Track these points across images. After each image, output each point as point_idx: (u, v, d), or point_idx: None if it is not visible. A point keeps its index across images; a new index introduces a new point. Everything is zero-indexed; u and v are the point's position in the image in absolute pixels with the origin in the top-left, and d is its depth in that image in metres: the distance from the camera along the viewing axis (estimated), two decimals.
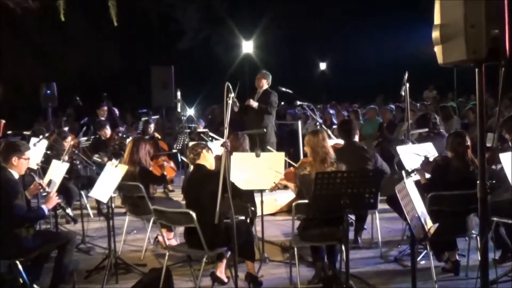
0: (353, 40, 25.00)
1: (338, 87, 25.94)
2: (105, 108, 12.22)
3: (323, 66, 30.47)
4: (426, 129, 6.94)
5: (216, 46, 26.77)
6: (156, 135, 10.51)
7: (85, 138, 9.91)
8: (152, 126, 10.71)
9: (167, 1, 24.22)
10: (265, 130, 8.86)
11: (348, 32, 25.14)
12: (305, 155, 7.49)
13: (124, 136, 9.40)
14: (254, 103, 9.15)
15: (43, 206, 5.13)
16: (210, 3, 25.25)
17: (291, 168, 6.51)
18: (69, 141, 8.33)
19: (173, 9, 24.97)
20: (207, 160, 5.37)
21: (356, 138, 6.59)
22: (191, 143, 7.13)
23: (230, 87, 4.55)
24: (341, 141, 6.64)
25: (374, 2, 24.61)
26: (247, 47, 24.88)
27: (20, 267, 4.95)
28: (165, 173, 7.43)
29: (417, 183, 5.03)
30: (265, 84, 9.32)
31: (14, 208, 4.86)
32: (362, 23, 25.05)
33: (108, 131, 9.53)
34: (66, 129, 9.64)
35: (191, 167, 5.60)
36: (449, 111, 10.62)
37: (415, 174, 5.41)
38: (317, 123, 9.01)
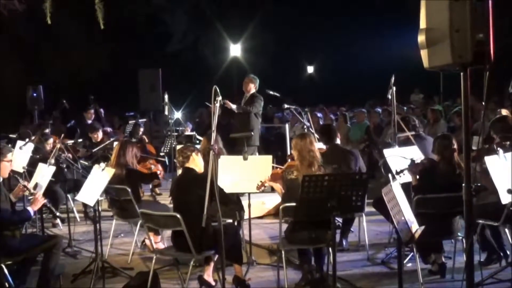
0: (341, 44, 25.07)
1: (325, 90, 26.01)
2: (92, 111, 12.17)
3: (310, 69, 30.55)
4: (413, 132, 6.98)
5: (204, 49, 26.72)
6: (144, 137, 10.47)
7: (72, 141, 9.85)
8: (141, 130, 10.68)
9: (155, 3, 24.13)
10: (252, 133, 8.84)
11: (336, 36, 25.20)
12: (292, 158, 7.50)
13: (112, 139, 9.36)
14: (232, 106, 9.01)
15: (29, 208, 5.11)
16: (198, 6, 25.20)
17: (277, 169, 6.51)
18: (51, 143, 8.28)
19: (161, 11, 24.89)
20: (196, 163, 5.35)
21: (338, 141, 6.62)
22: (178, 146, 7.13)
23: (218, 90, 4.56)
24: (320, 145, 6.63)
25: (362, 6, 24.71)
26: (235, 50, 24.88)
27: (6, 271, 4.92)
28: (158, 171, 7.39)
29: (403, 185, 5.06)
30: (252, 88, 9.25)
31: None
32: (350, 26, 25.13)
33: (100, 135, 9.48)
34: (47, 131, 9.53)
35: (180, 170, 5.58)
36: (437, 114, 10.72)
37: (404, 175, 5.44)
38: (305, 127, 9.03)
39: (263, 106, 9.52)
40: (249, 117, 9.15)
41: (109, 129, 11.07)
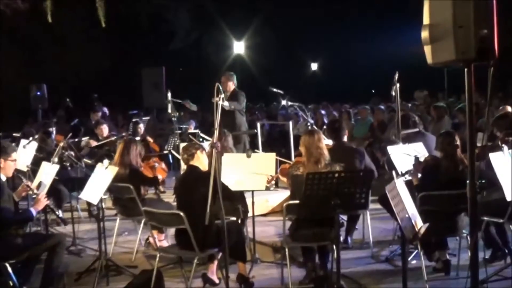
0: (344, 41, 25.05)
1: (329, 87, 26.00)
2: (99, 114, 12.21)
3: (314, 66, 30.53)
4: (417, 130, 6.97)
5: (207, 47, 26.73)
6: (148, 138, 10.45)
7: (76, 140, 9.85)
8: (141, 127, 10.65)
9: (158, 1, 24.15)
10: (255, 131, 8.80)
11: (339, 32, 25.17)
12: (296, 155, 7.50)
13: (115, 138, 9.36)
14: (225, 103, 8.37)
15: (32, 209, 5.11)
16: (201, 4, 25.21)
17: (287, 164, 6.51)
18: (53, 140, 8.31)
19: (164, 10, 24.91)
20: (201, 161, 5.34)
21: (345, 138, 6.60)
22: (182, 144, 7.13)
23: (220, 87, 4.55)
24: (329, 142, 6.63)
25: (365, 3, 24.68)
26: (239, 47, 24.88)
27: (9, 269, 4.92)
28: (159, 176, 7.39)
29: (408, 183, 5.05)
30: (231, 85, 8.90)
31: (1, 211, 4.83)
32: (353, 24, 25.11)
33: (105, 130, 9.50)
34: (51, 129, 9.55)
35: (184, 167, 5.58)
36: (441, 111, 10.67)
37: (408, 176, 5.43)
38: (308, 124, 9.01)
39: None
40: (234, 116, 8.83)
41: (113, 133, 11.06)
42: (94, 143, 9.13)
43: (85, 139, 9.45)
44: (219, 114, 4.52)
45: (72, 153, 7.62)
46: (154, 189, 9.99)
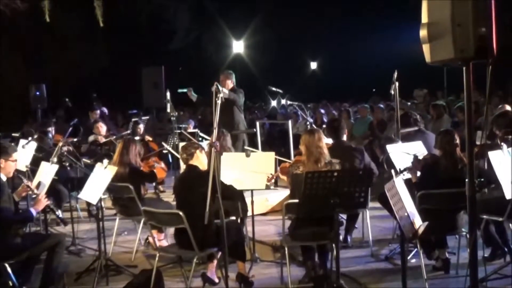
0: (344, 40, 25.07)
1: (328, 86, 26.02)
2: (98, 112, 12.21)
3: (313, 65, 30.53)
4: (416, 128, 6.96)
5: (206, 46, 26.75)
6: (148, 137, 10.45)
7: (75, 139, 9.85)
8: (141, 126, 10.66)
9: (157, 1, 24.16)
10: (254, 130, 8.79)
11: (339, 31, 25.20)
12: (295, 154, 7.51)
13: (114, 137, 9.37)
14: (224, 90, 8.15)
15: (31, 209, 5.10)
16: (201, 3, 25.22)
17: (286, 163, 6.52)
18: (50, 139, 8.32)
19: (163, 9, 24.93)
20: (200, 160, 5.34)
21: (345, 137, 6.61)
22: (181, 144, 7.13)
23: (219, 86, 4.55)
24: (329, 141, 6.63)
25: (365, 1, 24.67)
26: (238, 47, 24.88)
27: (9, 269, 4.92)
28: (154, 170, 7.40)
29: (407, 181, 5.05)
30: (230, 84, 8.86)
31: (1, 211, 4.83)
32: (353, 22, 25.12)
33: (102, 129, 9.50)
34: (50, 129, 9.58)
35: (184, 167, 5.58)
36: (440, 109, 10.67)
37: (407, 173, 5.43)
38: (308, 123, 9.00)
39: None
40: (232, 114, 8.84)
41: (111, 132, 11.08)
42: (102, 139, 9.22)
43: (92, 136, 9.54)
44: (218, 113, 4.51)
45: (71, 148, 7.64)
46: (153, 188, 9.99)
